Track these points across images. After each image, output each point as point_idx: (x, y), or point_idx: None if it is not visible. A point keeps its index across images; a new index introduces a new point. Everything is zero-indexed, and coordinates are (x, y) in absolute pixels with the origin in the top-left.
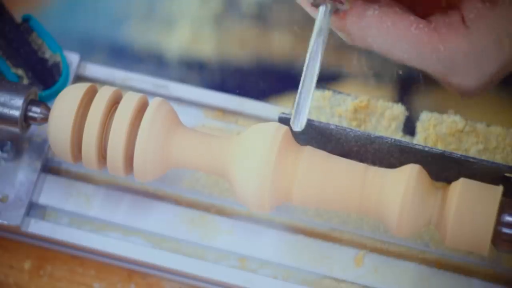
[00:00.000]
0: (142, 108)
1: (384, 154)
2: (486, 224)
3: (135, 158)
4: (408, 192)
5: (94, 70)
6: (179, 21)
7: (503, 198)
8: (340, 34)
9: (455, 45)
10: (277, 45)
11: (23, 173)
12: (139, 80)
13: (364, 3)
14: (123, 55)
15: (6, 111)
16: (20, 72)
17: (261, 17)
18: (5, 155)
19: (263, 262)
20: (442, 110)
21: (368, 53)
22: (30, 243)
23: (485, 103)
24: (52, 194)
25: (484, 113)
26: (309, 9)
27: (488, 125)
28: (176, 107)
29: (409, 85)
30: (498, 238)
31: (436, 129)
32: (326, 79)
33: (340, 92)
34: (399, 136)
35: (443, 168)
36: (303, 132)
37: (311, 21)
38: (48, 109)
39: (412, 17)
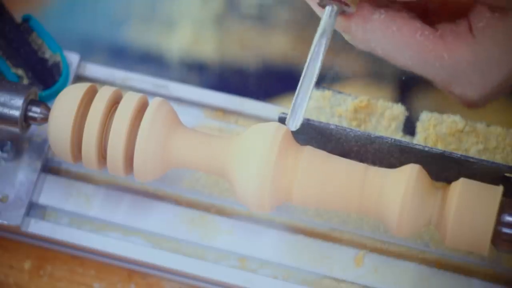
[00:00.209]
0: (142, 108)
1: (384, 154)
2: (486, 224)
3: (135, 158)
4: (408, 192)
5: (94, 70)
6: (180, 22)
7: (503, 198)
8: (344, 35)
9: (459, 54)
10: (277, 45)
11: (23, 173)
12: (139, 80)
13: (371, 6)
14: (123, 56)
15: (6, 111)
16: (20, 72)
17: (261, 18)
18: (5, 155)
19: (263, 262)
20: (442, 110)
21: (369, 53)
22: (30, 243)
23: None
24: (52, 194)
25: (484, 113)
26: (316, 8)
27: (488, 125)
28: (176, 107)
29: (409, 85)
30: (498, 238)
31: (436, 129)
32: (326, 79)
33: (340, 92)
34: (399, 136)
35: (443, 168)
36: (303, 132)
37: (311, 22)
38: (48, 109)
39: (418, 24)
